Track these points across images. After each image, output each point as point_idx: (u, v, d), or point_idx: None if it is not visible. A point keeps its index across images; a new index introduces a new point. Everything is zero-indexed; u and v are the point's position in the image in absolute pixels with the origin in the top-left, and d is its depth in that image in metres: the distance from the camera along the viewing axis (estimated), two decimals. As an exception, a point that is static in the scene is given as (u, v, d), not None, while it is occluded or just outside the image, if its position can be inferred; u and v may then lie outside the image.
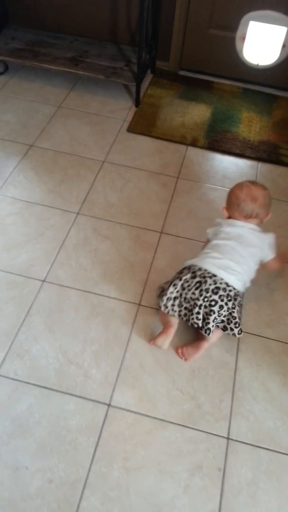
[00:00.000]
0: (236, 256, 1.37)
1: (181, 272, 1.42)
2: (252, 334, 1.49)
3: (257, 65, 2.41)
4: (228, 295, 1.32)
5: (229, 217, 1.49)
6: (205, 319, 1.33)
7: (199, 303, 1.31)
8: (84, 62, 2.31)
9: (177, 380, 1.37)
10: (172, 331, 1.41)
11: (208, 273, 1.34)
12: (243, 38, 2.33)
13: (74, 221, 1.76)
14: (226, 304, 1.31)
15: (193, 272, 1.36)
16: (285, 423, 1.31)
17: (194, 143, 2.17)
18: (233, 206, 1.45)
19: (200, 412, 1.31)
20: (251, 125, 2.30)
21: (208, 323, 1.32)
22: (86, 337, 1.43)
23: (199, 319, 1.33)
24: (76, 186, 1.91)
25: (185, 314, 1.37)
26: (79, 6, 2.44)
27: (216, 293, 1.30)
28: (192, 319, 1.34)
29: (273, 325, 1.53)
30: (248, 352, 1.45)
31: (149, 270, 1.64)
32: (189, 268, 1.40)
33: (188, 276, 1.36)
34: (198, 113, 2.33)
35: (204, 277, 1.33)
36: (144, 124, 2.24)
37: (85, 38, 2.50)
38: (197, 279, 1.34)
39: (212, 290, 1.31)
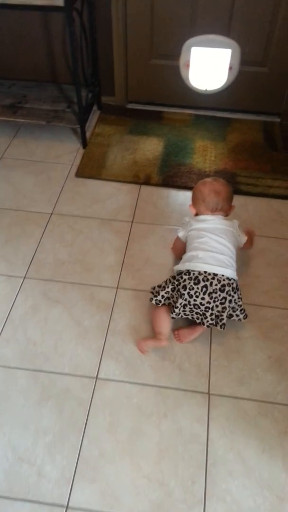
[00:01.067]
0: (222, 249, 1.43)
1: (178, 279, 1.42)
2: (224, 396, 1.35)
3: (206, 90, 2.32)
4: (232, 288, 1.39)
5: (196, 214, 1.57)
6: (218, 316, 1.40)
7: (211, 305, 1.37)
8: (24, 109, 2.19)
9: (143, 465, 1.22)
10: (163, 345, 1.43)
11: (209, 274, 1.38)
12: (187, 65, 2.24)
13: (20, 287, 1.62)
14: (233, 296, 1.39)
15: (196, 278, 1.38)
16: (267, 499, 1.17)
17: (147, 181, 2.05)
18: (199, 202, 1.54)
19: (170, 501, 1.16)
20: (205, 154, 2.19)
21: (222, 319, 1.39)
22: (38, 427, 1.28)
23: (213, 319, 1.39)
24: (22, 245, 1.77)
25: (198, 318, 1.43)
26: (15, 49, 2.34)
27: (223, 291, 1.37)
28: (207, 321, 1.39)
29: (246, 382, 1.39)
30: (220, 419, 1.31)
31: (105, 333, 1.50)
32: (188, 273, 1.40)
33: (192, 283, 1.37)
34: (150, 148, 2.22)
35: (208, 279, 1.37)
36: (93, 166, 2.12)
37: (25, 82, 2.39)
38: (202, 283, 1.37)
39: (220, 289, 1.37)
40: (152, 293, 1.51)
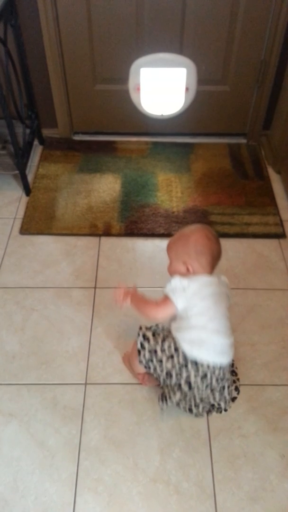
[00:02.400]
0: (226, 323, 1.11)
1: (180, 367, 1.08)
2: (237, 524, 1.07)
3: (162, 115, 2.03)
4: (230, 370, 1.18)
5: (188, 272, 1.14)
6: (214, 405, 1.18)
7: (216, 401, 1.15)
8: None
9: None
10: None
11: (219, 368, 1.09)
12: (138, 89, 1.94)
13: None
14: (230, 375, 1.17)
15: (204, 376, 1.07)
16: None
17: (107, 231, 1.73)
18: (201, 257, 1.13)
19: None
20: (170, 190, 1.90)
21: (225, 397, 1.15)
22: None
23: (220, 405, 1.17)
24: None
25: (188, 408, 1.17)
26: None
27: (223, 378, 1.11)
28: (214, 411, 1.20)
29: (259, 496, 1.11)
30: None
31: (77, 454, 1.17)
32: (195, 364, 1.07)
33: (199, 380, 1.08)
34: (105, 188, 1.90)
35: (215, 372, 1.08)
36: (40, 218, 1.77)
37: None
38: (209, 380, 1.08)
39: (221, 378, 1.11)
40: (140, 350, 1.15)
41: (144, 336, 1.14)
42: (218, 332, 1.08)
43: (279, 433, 1.22)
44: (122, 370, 1.34)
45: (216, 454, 1.18)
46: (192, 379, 1.07)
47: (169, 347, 1.09)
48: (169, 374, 1.10)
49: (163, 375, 1.12)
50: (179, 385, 1.10)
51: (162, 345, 1.10)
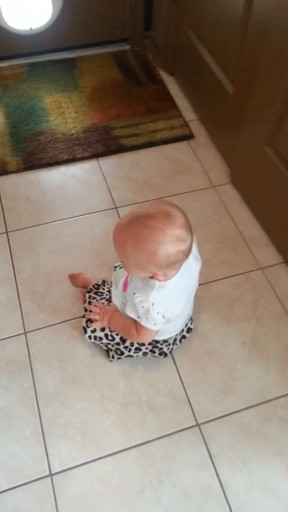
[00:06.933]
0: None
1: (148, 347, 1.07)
2: (215, 419, 1.06)
3: (31, 29, 1.76)
4: None
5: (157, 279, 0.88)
6: None
7: None
8: None
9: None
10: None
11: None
12: (-4, -1, 1.64)
13: None
14: None
15: (174, 341, 1.10)
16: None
17: (3, 169, 1.51)
18: (176, 264, 0.83)
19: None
20: (63, 111, 1.70)
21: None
22: None
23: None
24: None
25: None
26: None
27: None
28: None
29: (232, 388, 1.10)
30: (224, 451, 1.02)
31: (36, 405, 1.06)
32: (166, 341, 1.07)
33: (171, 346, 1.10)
34: (-13, 122, 1.65)
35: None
36: None
37: None
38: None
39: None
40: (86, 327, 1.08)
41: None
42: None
43: (234, 323, 1.21)
44: (62, 308, 1.21)
45: (179, 360, 1.14)
46: (165, 348, 1.09)
47: None
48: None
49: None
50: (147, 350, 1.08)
51: None
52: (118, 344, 1.07)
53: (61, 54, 1.92)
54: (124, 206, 1.44)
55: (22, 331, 1.17)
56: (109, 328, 1.05)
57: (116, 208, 1.44)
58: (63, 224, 1.39)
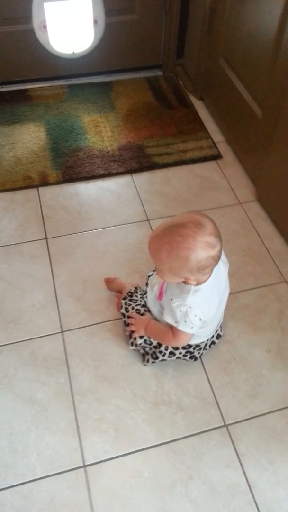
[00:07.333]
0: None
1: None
2: (242, 420, 1.10)
3: (73, 53, 1.90)
4: None
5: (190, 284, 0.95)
6: None
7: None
8: None
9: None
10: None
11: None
12: (44, 27, 1.79)
13: None
14: None
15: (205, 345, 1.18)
16: None
17: (45, 181, 1.62)
18: (206, 269, 0.90)
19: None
20: (100, 130, 1.81)
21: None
22: None
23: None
24: None
25: None
26: None
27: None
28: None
29: (258, 392, 1.15)
30: (251, 452, 1.05)
31: (72, 400, 1.12)
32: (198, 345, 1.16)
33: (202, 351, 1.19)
34: (29, 137, 1.76)
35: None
36: None
37: None
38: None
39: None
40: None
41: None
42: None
43: (260, 331, 1.26)
44: (97, 311, 1.28)
45: (208, 364, 1.19)
46: (196, 353, 1.16)
47: None
48: None
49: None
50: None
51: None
52: (155, 347, 1.13)
53: (99, 78, 2.06)
54: (155, 218, 1.53)
55: (59, 330, 1.24)
56: None
57: (148, 220, 1.52)
58: (98, 233, 1.48)
